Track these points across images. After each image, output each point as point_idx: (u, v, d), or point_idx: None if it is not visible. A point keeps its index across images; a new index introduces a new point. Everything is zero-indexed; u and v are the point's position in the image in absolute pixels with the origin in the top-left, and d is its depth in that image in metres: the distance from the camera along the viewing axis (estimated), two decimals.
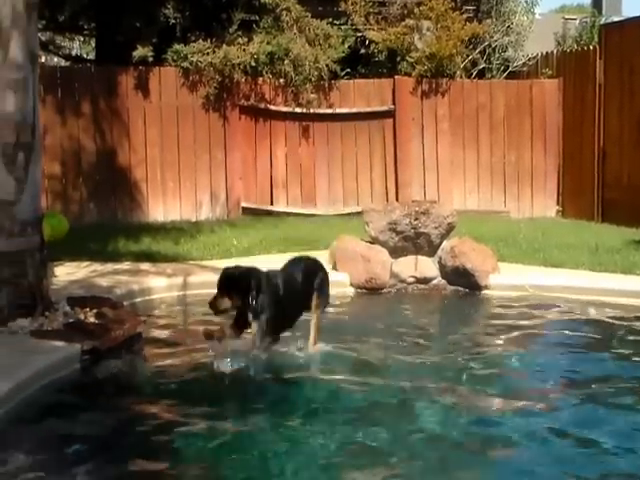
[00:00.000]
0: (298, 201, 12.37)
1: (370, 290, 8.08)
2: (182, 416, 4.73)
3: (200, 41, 11.80)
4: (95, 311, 6.12)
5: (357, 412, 4.83)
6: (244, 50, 11.84)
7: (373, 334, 6.43)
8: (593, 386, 5.33)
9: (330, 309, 6.29)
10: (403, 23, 12.94)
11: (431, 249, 8.24)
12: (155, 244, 9.44)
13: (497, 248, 8.66)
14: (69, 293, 6.65)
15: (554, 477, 4.01)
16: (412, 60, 12.71)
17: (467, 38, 12.91)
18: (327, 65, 12.13)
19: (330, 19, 12.59)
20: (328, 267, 8.39)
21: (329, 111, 12.44)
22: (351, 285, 8.10)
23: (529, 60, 13.64)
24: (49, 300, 6.18)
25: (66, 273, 7.76)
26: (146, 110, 11.83)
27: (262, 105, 12.23)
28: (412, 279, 8.17)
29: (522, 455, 4.27)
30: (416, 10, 12.93)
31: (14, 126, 5.89)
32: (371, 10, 13.09)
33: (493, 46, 13.43)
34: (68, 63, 15.68)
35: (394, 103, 12.57)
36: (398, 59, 12.98)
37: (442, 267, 8.18)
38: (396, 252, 8.24)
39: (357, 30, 13.00)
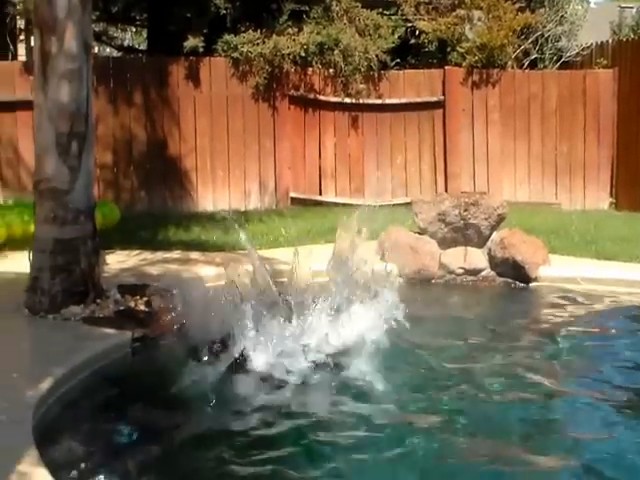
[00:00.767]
0: (346, 191, 12.36)
1: (418, 281, 8.05)
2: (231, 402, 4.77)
3: (250, 31, 11.83)
4: (145, 299, 6.19)
5: None
6: (294, 40, 11.84)
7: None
8: None
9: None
10: (454, 13, 12.82)
11: (480, 240, 8.18)
12: (204, 233, 9.52)
13: (548, 240, 8.56)
14: (120, 281, 6.74)
15: None
16: (463, 50, 12.59)
17: (519, 28, 12.73)
18: (377, 55, 12.08)
19: (380, 9, 12.52)
20: (376, 257, 8.43)
21: (378, 101, 12.39)
22: (400, 276, 8.07)
23: (583, 50, 13.42)
24: (101, 288, 6.26)
25: (117, 261, 7.86)
26: (196, 100, 11.91)
27: (311, 95, 12.23)
28: (461, 270, 8.12)
29: None
30: (467, 0, 12.80)
31: (68, 116, 5.98)
32: (421, 0, 12.99)
33: (546, 36, 13.24)
34: (120, 54, 15.86)
35: (444, 94, 12.48)
36: (448, 49, 12.87)
37: (491, 259, 8.11)
38: (445, 243, 8.19)
39: (407, 20, 12.92)
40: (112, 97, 11.56)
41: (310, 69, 12.18)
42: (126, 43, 18.61)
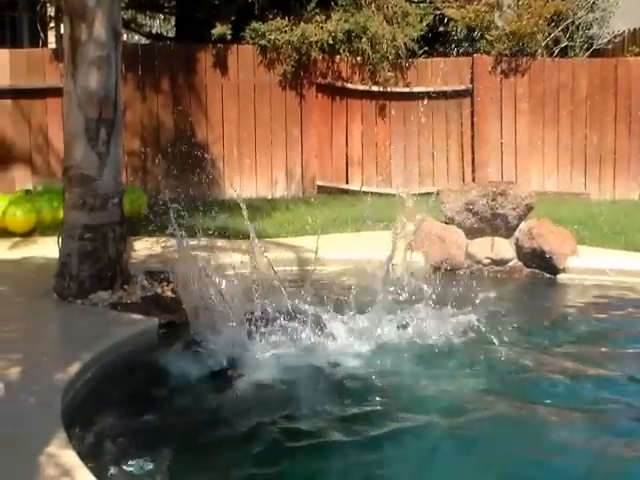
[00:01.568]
0: (373, 180, 12.33)
1: (444, 271, 8.01)
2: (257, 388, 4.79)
3: (278, 19, 11.81)
4: (172, 286, 6.23)
5: None
6: (322, 28, 11.81)
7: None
8: None
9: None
10: (483, 1, 12.71)
11: (508, 230, 8.13)
12: (231, 221, 9.53)
13: (576, 231, 8.48)
14: (147, 267, 6.78)
15: None
16: (492, 38, 12.49)
17: (549, 15, 12.60)
18: (405, 43, 12.01)
19: None
20: (403, 247, 8.41)
21: (406, 90, 12.33)
22: (426, 265, 8.05)
23: (615, 37, 13.25)
24: (128, 274, 6.31)
25: (144, 248, 7.91)
26: (224, 87, 11.93)
27: (339, 83, 12.21)
28: (488, 260, 8.08)
29: None
30: None
31: (97, 102, 6.02)
32: None
33: (577, 23, 13.09)
34: (149, 41, 15.91)
35: (472, 82, 12.39)
36: (477, 37, 12.78)
37: (519, 249, 8.06)
38: (472, 233, 8.15)
39: (436, 8, 12.83)
40: (140, 84, 11.61)
41: (338, 57, 12.15)
42: (154, 30, 18.66)
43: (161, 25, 19.88)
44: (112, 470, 3.78)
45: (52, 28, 16.25)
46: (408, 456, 4.10)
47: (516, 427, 4.47)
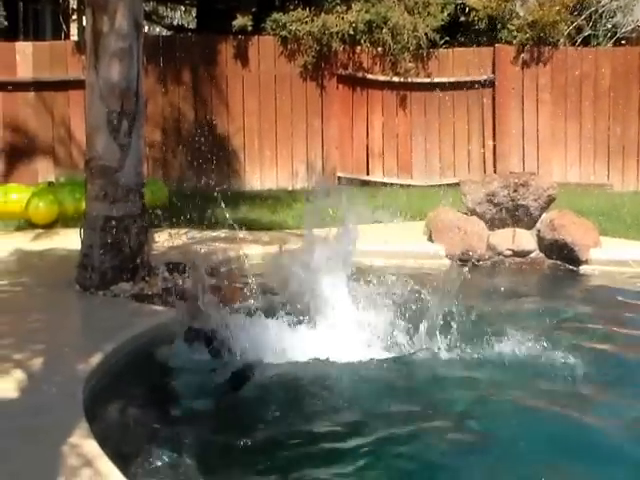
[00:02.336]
0: (394, 171, 12.30)
1: (466, 262, 7.99)
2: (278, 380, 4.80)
3: (299, 10, 11.80)
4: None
5: None
6: (342, 19, 11.78)
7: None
8: None
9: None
10: None
11: (529, 222, 8.09)
12: (252, 212, 9.55)
13: (599, 222, 8.41)
14: (168, 259, 6.80)
15: None
16: (513, 28, 12.41)
17: (572, 4, 12.49)
18: (426, 34, 11.96)
19: None
20: (424, 238, 8.40)
21: (427, 80, 12.28)
22: (446, 257, 8.03)
23: (639, 26, 13.11)
24: (149, 265, 6.33)
25: (165, 239, 7.93)
26: (245, 79, 11.94)
27: (360, 74, 12.18)
28: (509, 252, 8.05)
29: None
30: None
31: (119, 94, 6.04)
32: None
33: (600, 12, 12.97)
34: (170, 33, 15.94)
35: (494, 72, 12.31)
36: (499, 27, 12.68)
37: (540, 240, 8.02)
38: (493, 224, 8.12)
39: None
40: (161, 76, 11.65)
41: (359, 48, 12.12)
42: (175, 22, 18.71)
43: (182, 17, 19.93)
44: (134, 460, 3.80)
45: (74, 21, 16.33)
46: None
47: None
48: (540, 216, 8.09)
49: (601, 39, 13.03)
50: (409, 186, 11.94)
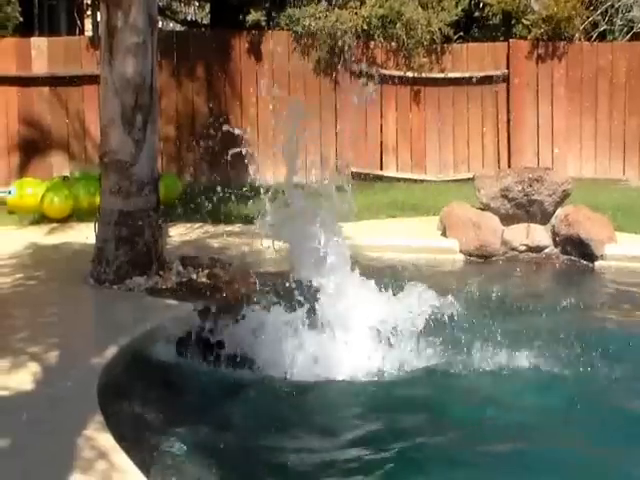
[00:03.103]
0: (408, 166, 12.28)
1: (480, 257, 7.99)
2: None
3: (312, 5, 11.78)
4: (207, 271, 6.25)
5: None
6: (356, 14, 11.76)
7: None
8: None
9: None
10: None
11: (544, 217, 8.07)
12: (265, 207, 9.53)
13: (614, 217, 8.37)
14: (182, 253, 6.82)
15: None
16: (528, 23, 12.35)
17: None
18: (440, 28, 11.92)
19: None
20: (438, 233, 8.39)
21: (441, 75, 12.24)
22: (460, 252, 8.03)
23: None
24: (163, 259, 6.34)
25: (179, 234, 7.96)
26: (258, 74, 11.93)
27: (373, 69, 12.14)
28: (523, 247, 8.03)
29: None
30: None
31: (133, 89, 6.05)
32: None
33: (616, 6, 12.89)
34: (184, 28, 15.96)
35: (508, 67, 12.26)
36: (513, 22, 12.64)
37: (555, 236, 8.00)
38: (507, 219, 8.10)
39: None
40: (175, 71, 11.66)
41: (372, 43, 12.09)
42: (189, 17, 18.72)
43: (196, 12, 19.94)
44: (148, 453, 3.82)
45: (89, 16, 16.38)
46: None
47: None
48: (555, 211, 8.06)
49: (617, 34, 12.97)
50: (423, 181, 11.91)
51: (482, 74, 12.20)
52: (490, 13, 12.62)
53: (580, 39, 12.49)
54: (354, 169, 12.13)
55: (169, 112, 11.46)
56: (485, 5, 12.62)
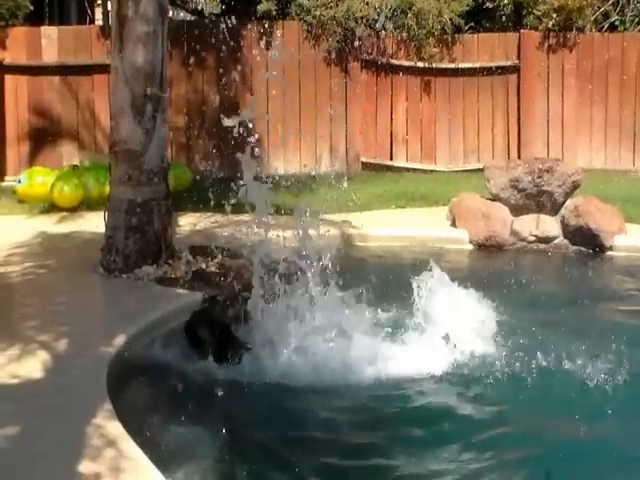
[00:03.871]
0: (418, 157, 12.25)
1: (489, 247, 7.98)
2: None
3: None
4: (216, 261, 6.26)
5: None
6: (367, 4, 11.72)
7: None
8: None
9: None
10: None
11: (554, 208, 8.05)
12: (275, 197, 9.54)
13: (624, 208, 8.35)
14: (192, 242, 6.83)
15: None
16: (539, 13, 12.27)
17: None
18: (451, 19, 11.87)
19: None
20: (447, 224, 8.39)
21: (451, 66, 12.20)
22: (470, 242, 8.03)
23: None
24: (173, 249, 6.36)
25: (189, 223, 7.97)
26: (269, 63, 11.91)
27: (384, 59, 12.12)
28: (533, 238, 8.02)
29: None
30: None
31: (143, 78, 6.06)
32: None
33: None
34: (194, 17, 15.92)
35: (519, 58, 12.20)
36: (524, 12, 12.56)
37: (565, 226, 7.98)
38: (517, 210, 8.09)
39: None
40: (185, 61, 11.64)
41: (383, 33, 12.05)
42: (200, 7, 18.66)
43: (206, 2, 19.89)
44: (157, 441, 3.83)
45: (99, 5, 16.36)
46: None
47: None
48: (564, 202, 8.04)
49: (628, 25, 12.87)
50: (432, 171, 11.90)
51: (493, 65, 12.15)
52: (501, 4, 12.56)
53: (591, 30, 12.41)
54: (364, 159, 12.13)
55: (179, 102, 11.47)
56: None
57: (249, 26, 11.85)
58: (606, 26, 12.76)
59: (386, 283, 5.81)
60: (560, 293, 6.72)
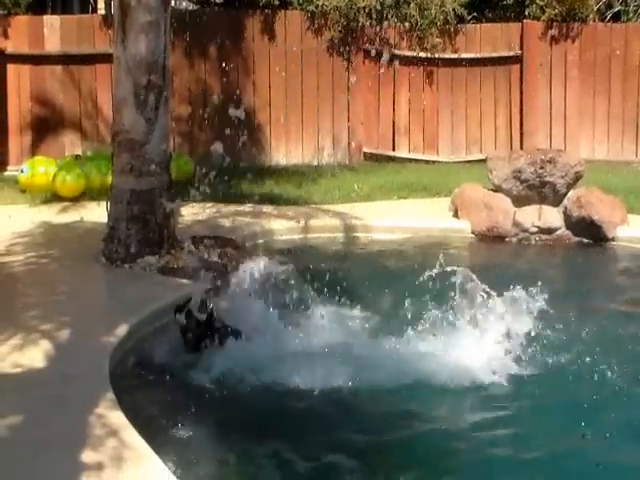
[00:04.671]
0: (420, 147, 12.23)
1: (491, 238, 7.98)
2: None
3: None
4: (218, 251, 6.28)
5: None
6: None
7: None
8: None
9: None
10: None
11: (556, 199, 8.04)
12: (277, 187, 9.56)
13: (627, 199, 8.34)
14: (194, 232, 6.84)
15: None
16: (542, 3, 12.22)
17: None
18: (453, 9, 11.83)
19: None
20: (449, 214, 8.38)
21: (454, 56, 12.16)
22: (472, 233, 8.03)
23: None
24: (175, 239, 6.37)
25: (191, 213, 7.97)
26: (271, 53, 11.89)
27: (386, 49, 12.08)
28: (535, 229, 8.01)
29: None
30: None
31: (146, 68, 6.06)
32: None
33: None
34: (196, 7, 15.88)
35: (521, 48, 12.17)
36: (527, 2, 12.51)
37: (567, 217, 7.97)
38: (519, 201, 8.08)
39: None
40: (188, 50, 11.62)
41: (385, 23, 12.02)
42: None
43: None
44: (159, 431, 3.84)
45: None
46: None
47: None
48: (567, 193, 8.03)
49: (631, 15, 12.83)
50: (435, 162, 11.88)
51: (495, 55, 12.12)
52: None
53: (594, 20, 12.37)
54: (366, 150, 12.12)
55: (182, 92, 11.45)
56: None
57: (251, 16, 11.82)
58: (609, 16, 12.72)
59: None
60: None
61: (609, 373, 4.43)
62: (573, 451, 3.87)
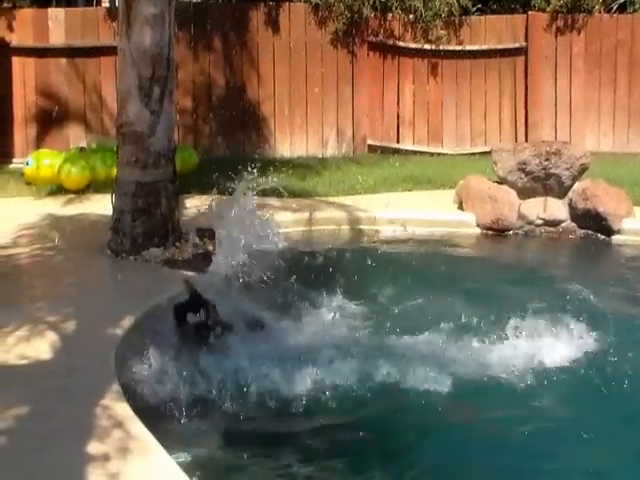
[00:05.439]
0: (424, 140, 12.22)
1: (496, 231, 7.98)
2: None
3: None
4: None
5: None
6: None
7: None
8: None
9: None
10: None
11: (561, 191, 8.03)
12: (281, 179, 9.53)
13: (632, 192, 8.31)
14: (198, 225, 6.84)
15: None
16: None
17: None
18: (458, 1, 11.80)
19: None
20: (454, 207, 8.38)
21: (459, 48, 12.13)
22: (477, 225, 8.02)
23: None
24: (180, 231, 6.38)
25: (195, 205, 7.97)
26: (275, 46, 11.88)
27: (391, 41, 12.06)
28: (540, 221, 8.00)
29: None
30: None
31: (150, 60, 6.05)
32: None
33: None
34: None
35: (527, 40, 12.13)
36: None
37: (572, 210, 7.96)
38: (524, 193, 8.07)
39: None
40: (192, 43, 11.62)
41: (390, 15, 11.99)
42: None
43: None
44: (165, 423, 3.86)
45: None
46: None
47: None
48: (572, 185, 8.02)
49: (637, 5, 12.76)
50: (439, 154, 11.87)
51: (500, 47, 12.08)
52: None
53: (600, 11, 12.33)
54: (370, 142, 12.11)
55: (186, 84, 11.45)
56: None
57: (256, 8, 11.80)
58: (615, 7, 12.66)
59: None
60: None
61: None
62: None
